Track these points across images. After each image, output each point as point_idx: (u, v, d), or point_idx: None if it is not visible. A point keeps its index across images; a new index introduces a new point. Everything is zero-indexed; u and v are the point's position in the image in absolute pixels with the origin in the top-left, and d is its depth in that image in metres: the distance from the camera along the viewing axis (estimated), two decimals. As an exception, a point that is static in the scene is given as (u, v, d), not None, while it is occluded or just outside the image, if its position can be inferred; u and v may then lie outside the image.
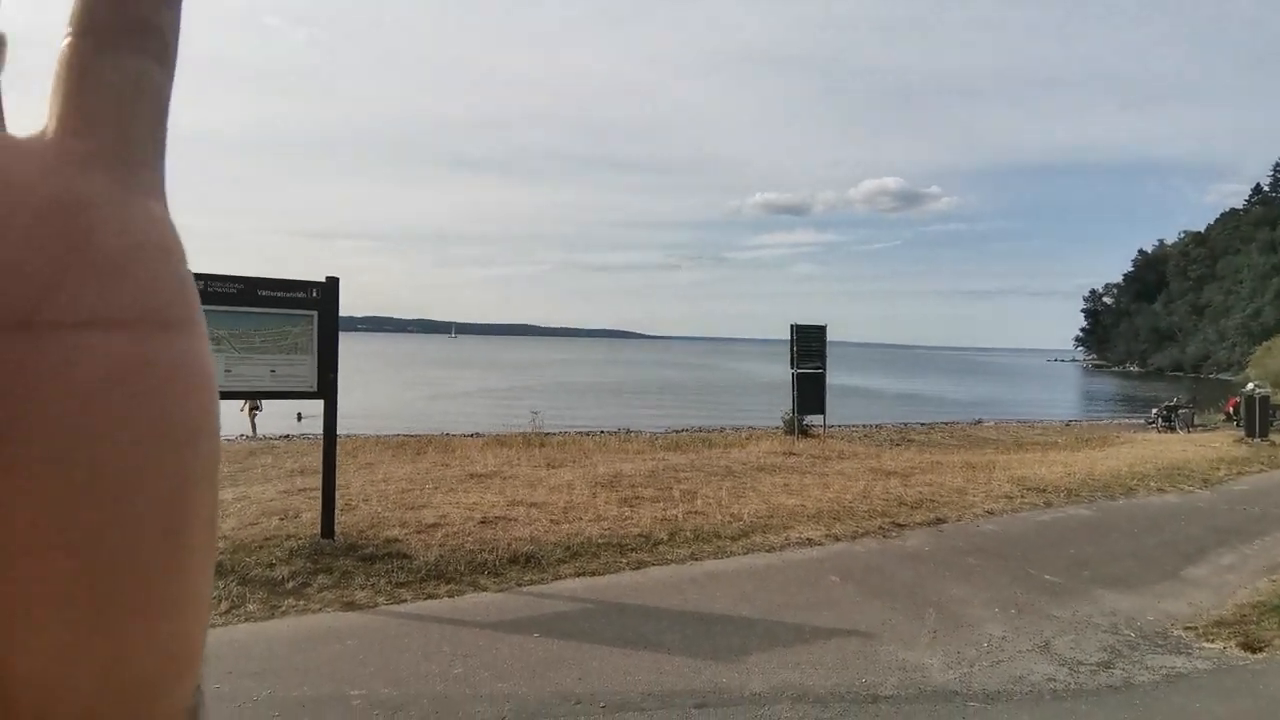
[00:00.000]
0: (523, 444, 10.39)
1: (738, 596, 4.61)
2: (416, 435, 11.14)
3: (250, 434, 12.23)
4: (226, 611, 4.08)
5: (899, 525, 6.38)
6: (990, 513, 6.99)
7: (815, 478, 8.41)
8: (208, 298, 4.87)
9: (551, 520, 6.04)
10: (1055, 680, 3.62)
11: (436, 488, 7.26)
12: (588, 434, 12.66)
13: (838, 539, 5.90)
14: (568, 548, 5.31)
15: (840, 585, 4.90)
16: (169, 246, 0.19)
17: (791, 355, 12.88)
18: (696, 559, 5.32)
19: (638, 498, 7.07)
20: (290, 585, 4.44)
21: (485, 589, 4.59)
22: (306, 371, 5.11)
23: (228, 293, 4.94)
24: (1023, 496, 7.68)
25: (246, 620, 4.00)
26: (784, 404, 13.51)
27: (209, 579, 0.20)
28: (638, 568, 5.07)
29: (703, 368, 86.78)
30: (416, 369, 62.28)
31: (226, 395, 5.11)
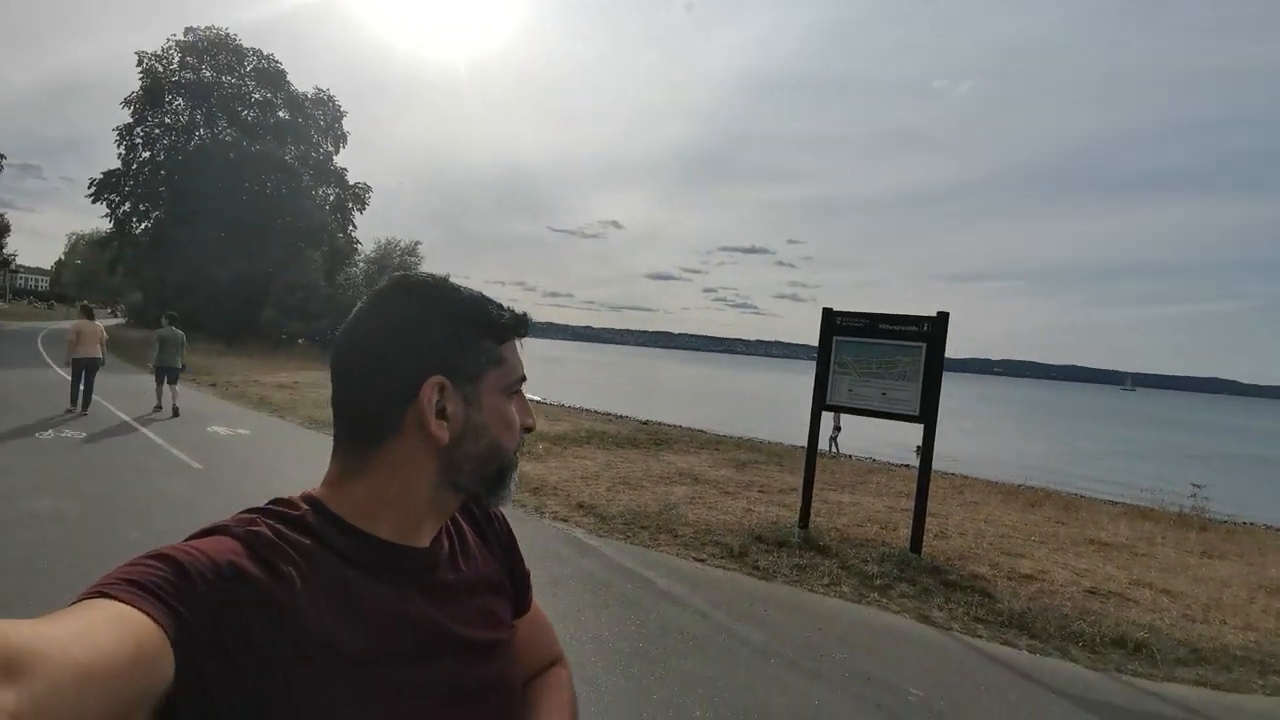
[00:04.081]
0: (1174, 523, 8.26)
1: None
2: (1035, 487, 10.29)
3: (827, 450, 13.97)
4: (827, 585, 4.97)
5: None
6: None
7: None
8: (842, 330, 6.02)
9: (1184, 615, 4.79)
10: None
11: (1043, 542, 6.68)
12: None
13: None
14: (1195, 649, 4.16)
15: None
16: None
17: None
18: None
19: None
20: (878, 583, 5.03)
21: (1075, 660, 4.11)
22: (911, 396, 5.65)
23: (856, 325, 5.98)
24: None
25: (839, 598, 4.79)
26: None
27: None
28: (1274, 693, 3.73)
29: None
30: (1060, 420, 55.39)
31: (848, 410, 6.14)
